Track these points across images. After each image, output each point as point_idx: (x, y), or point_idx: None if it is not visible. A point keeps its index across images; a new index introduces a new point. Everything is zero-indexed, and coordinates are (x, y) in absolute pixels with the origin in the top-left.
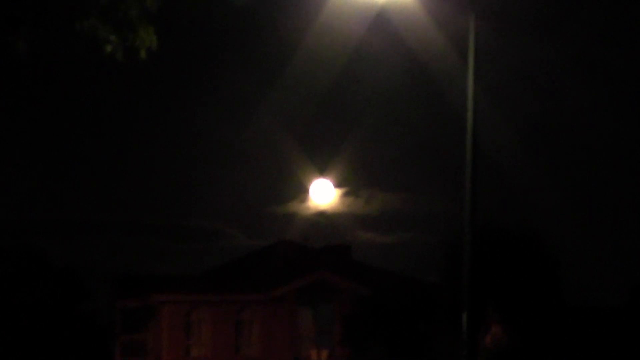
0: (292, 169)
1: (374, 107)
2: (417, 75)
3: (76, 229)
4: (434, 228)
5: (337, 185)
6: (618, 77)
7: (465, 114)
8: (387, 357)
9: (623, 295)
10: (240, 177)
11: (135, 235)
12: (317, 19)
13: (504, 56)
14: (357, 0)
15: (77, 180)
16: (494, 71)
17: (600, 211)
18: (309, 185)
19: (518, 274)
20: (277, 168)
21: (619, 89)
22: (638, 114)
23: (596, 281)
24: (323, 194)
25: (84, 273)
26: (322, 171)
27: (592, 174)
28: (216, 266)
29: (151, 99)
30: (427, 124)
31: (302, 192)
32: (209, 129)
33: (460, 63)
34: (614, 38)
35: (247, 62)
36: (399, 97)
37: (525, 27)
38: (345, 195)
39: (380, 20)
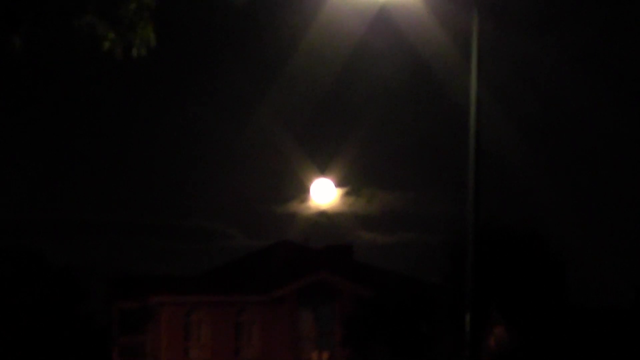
0: (293, 168)
1: (375, 105)
2: (419, 73)
3: (75, 229)
4: (436, 228)
5: (338, 184)
6: (622, 74)
7: (467, 113)
8: (389, 358)
9: (629, 295)
10: (240, 177)
11: (135, 235)
12: (317, 17)
13: (507, 54)
14: None
15: (76, 180)
16: (496, 69)
17: (605, 210)
18: (310, 184)
19: (521, 274)
20: (278, 167)
21: (623, 87)
22: None
23: (601, 281)
24: (324, 193)
25: (82, 274)
26: (322, 170)
27: (597, 172)
28: (216, 267)
29: (151, 98)
30: (429, 122)
31: (302, 191)
32: (209, 128)
33: (463, 61)
34: (617, 35)
35: (247, 60)
36: (400, 96)
37: (528, 25)
38: (346, 194)
39: (381, 18)
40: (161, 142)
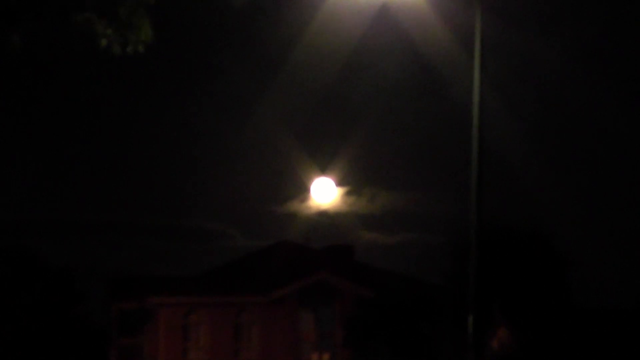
0: (293, 167)
1: (376, 104)
2: (421, 71)
3: (73, 229)
4: (438, 228)
5: (339, 184)
6: (627, 71)
7: (470, 110)
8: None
9: (633, 296)
10: (240, 177)
11: (134, 235)
12: (317, 14)
13: (509, 52)
14: None
15: (75, 180)
16: (499, 66)
17: (609, 210)
18: (310, 184)
19: (525, 275)
20: (278, 167)
21: (629, 84)
22: None
23: (607, 282)
24: (324, 193)
25: (81, 274)
26: (323, 169)
27: (600, 172)
28: (215, 267)
29: (150, 98)
30: (431, 121)
31: (303, 191)
32: (209, 128)
33: (466, 58)
34: (622, 31)
35: (246, 58)
36: (402, 94)
37: (531, 22)
38: (348, 194)
39: (383, 16)
40: (161, 142)
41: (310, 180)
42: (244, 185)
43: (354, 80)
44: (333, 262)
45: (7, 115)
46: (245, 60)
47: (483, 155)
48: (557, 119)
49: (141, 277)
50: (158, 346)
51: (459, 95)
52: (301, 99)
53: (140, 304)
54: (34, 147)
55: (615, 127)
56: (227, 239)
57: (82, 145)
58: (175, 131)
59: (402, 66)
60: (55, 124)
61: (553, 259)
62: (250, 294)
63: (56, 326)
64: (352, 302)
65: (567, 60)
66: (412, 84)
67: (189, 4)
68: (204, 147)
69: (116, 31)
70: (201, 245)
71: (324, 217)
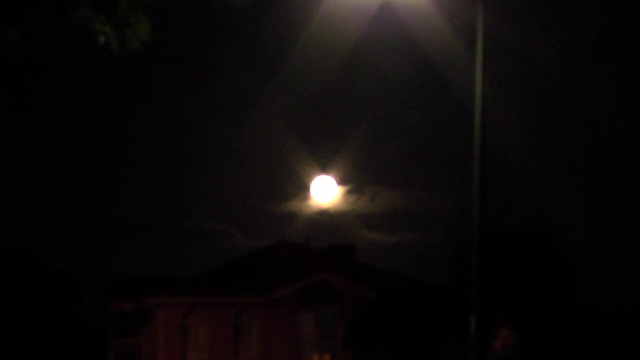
0: (293, 166)
1: (377, 102)
2: (423, 70)
3: (73, 229)
4: (441, 227)
5: (340, 182)
6: (627, 71)
7: (473, 109)
8: None
9: (638, 296)
10: (240, 176)
11: (133, 235)
12: (317, 11)
13: (512, 51)
14: None
15: (74, 180)
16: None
17: (613, 210)
18: (311, 182)
19: (529, 275)
20: (278, 165)
21: (629, 84)
22: None
23: (612, 283)
24: (325, 191)
25: (79, 274)
26: (324, 168)
27: (605, 172)
28: (214, 267)
29: (150, 97)
30: (433, 119)
31: (303, 190)
32: (208, 127)
33: (468, 56)
34: (622, 31)
35: (246, 57)
36: (403, 93)
37: (532, 22)
38: (349, 193)
39: (384, 13)
40: (161, 142)
41: (310, 178)
42: (243, 185)
43: (355, 79)
44: (333, 261)
45: (6, 115)
46: (245, 60)
47: (485, 155)
48: (559, 119)
49: (140, 277)
50: (157, 346)
51: (462, 93)
52: (301, 97)
53: (139, 304)
54: (33, 146)
55: (616, 126)
56: (227, 239)
57: (81, 145)
58: (175, 131)
59: (404, 64)
60: (55, 124)
61: (557, 259)
62: (250, 294)
63: (55, 326)
64: (353, 302)
65: (568, 60)
66: (414, 82)
67: (189, 4)
68: (204, 147)
69: (114, 28)
70: (201, 245)
71: (325, 217)
